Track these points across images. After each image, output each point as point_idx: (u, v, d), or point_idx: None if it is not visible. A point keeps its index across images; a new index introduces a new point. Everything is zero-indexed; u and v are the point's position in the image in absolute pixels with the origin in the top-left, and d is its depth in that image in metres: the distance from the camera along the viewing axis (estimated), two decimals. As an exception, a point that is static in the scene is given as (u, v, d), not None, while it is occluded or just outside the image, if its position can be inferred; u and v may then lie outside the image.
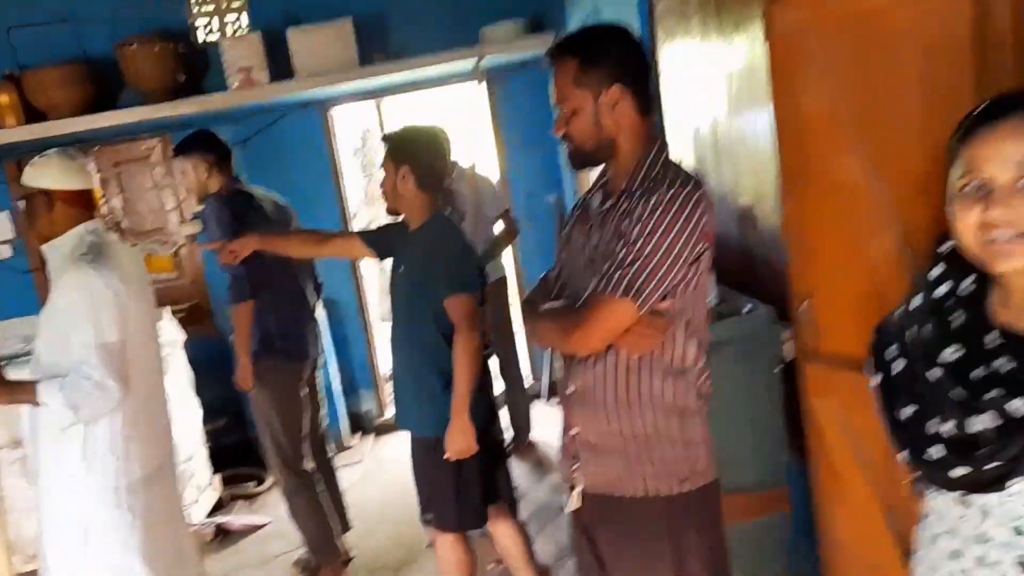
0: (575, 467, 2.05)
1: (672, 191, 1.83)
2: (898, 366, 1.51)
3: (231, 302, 3.69)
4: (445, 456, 2.91)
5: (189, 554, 2.98)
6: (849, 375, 2.13)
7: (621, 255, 1.84)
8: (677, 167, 1.93)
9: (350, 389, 6.09)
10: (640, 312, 1.83)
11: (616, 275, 1.83)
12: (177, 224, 5.93)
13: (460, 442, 2.89)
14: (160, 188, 5.86)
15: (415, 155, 2.95)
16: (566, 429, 2.07)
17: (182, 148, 3.84)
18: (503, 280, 5.02)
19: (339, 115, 6.01)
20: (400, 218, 3.12)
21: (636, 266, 1.81)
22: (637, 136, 1.94)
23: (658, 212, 1.81)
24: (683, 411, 1.93)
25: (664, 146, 1.97)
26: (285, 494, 3.90)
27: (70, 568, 2.68)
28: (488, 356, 3.81)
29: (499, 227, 4.93)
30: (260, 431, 3.87)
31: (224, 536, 4.76)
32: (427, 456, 3.02)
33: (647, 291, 1.82)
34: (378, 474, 5.24)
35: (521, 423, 5.28)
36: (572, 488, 2.08)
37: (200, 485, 4.85)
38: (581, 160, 2.00)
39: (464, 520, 3.11)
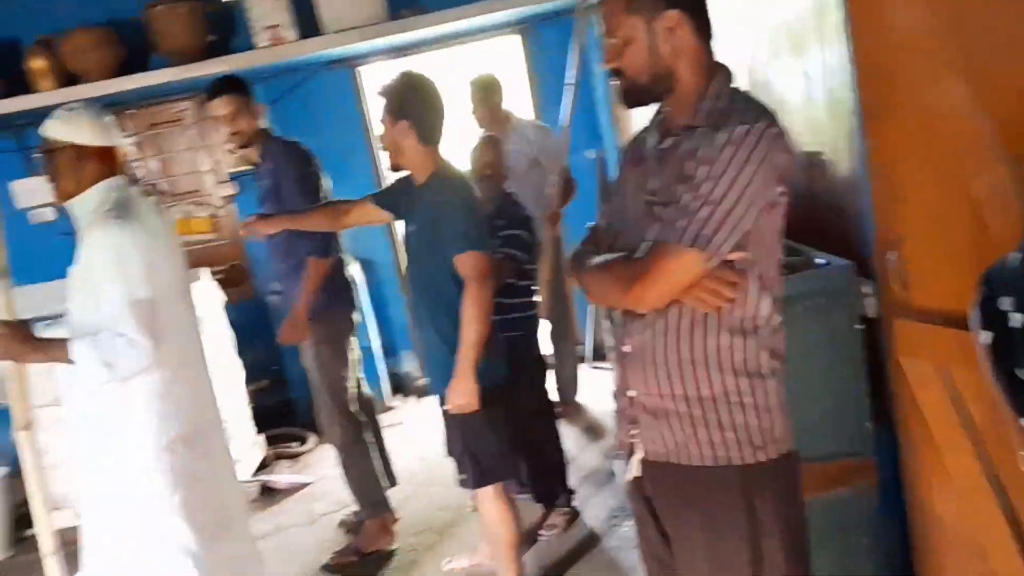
0: (633, 432, 1.88)
1: (744, 127, 1.63)
2: (1016, 320, 1.31)
3: (310, 255, 3.62)
4: (445, 408, 2.93)
5: (236, 514, 2.95)
6: (947, 332, 1.94)
7: (686, 201, 1.65)
8: (748, 98, 1.74)
9: (390, 351, 6.03)
10: (709, 264, 1.65)
11: (681, 223, 1.64)
12: (214, 185, 5.86)
13: (462, 398, 2.85)
14: (195, 150, 5.81)
15: (414, 109, 2.87)
16: (622, 391, 1.90)
17: (220, 88, 3.66)
18: (557, 239, 4.83)
19: (369, 74, 5.86)
20: (406, 173, 3.06)
21: (704, 213, 1.62)
22: (698, 65, 1.75)
23: (729, 151, 1.62)
24: (754, 372, 1.75)
25: (730, 76, 1.77)
26: (342, 445, 3.88)
27: (110, 528, 2.67)
28: (534, 316, 3.69)
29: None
30: (317, 384, 3.85)
31: (269, 495, 4.79)
32: (449, 418, 3.00)
33: (717, 241, 1.63)
34: (419, 436, 5.16)
35: (568, 385, 5.14)
36: (630, 455, 1.91)
37: (244, 445, 4.85)
38: (636, 96, 1.80)
39: (498, 471, 3.05)
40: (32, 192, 5.47)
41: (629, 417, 1.88)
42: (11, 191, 5.54)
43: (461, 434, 3.00)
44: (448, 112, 2.97)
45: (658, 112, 1.86)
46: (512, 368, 3.10)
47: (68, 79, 4.92)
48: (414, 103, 2.88)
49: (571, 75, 4.67)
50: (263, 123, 3.73)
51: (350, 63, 5.65)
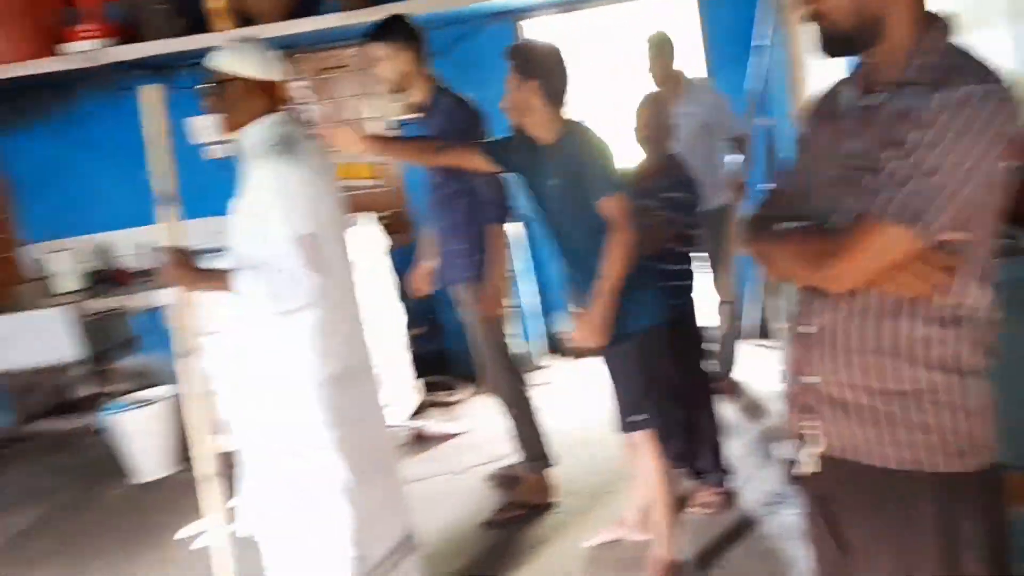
0: (806, 422, 1.70)
1: (968, 88, 1.41)
2: None
3: (489, 223, 3.64)
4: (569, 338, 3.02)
5: (386, 457, 3.00)
6: None
7: (897, 169, 1.44)
8: (969, 56, 1.50)
9: (546, 309, 6.00)
10: (920, 244, 1.45)
11: (889, 194, 1.44)
12: (378, 132, 5.85)
13: (586, 331, 2.93)
14: (360, 96, 5.85)
15: (541, 70, 2.95)
16: (797, 375, 1.71)
17: (382, 32, 3.61)
18: (726, 208, 4.64)
19: (533, 28, 5.70)
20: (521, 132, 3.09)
21: (917, 185, 1.42)
22: (912, 14, 1.53)
23: (949, 115, 1.40)
24: (955, 369, 1.54)
25: (948, 28, 1.54)
26: (511, 399, 3.90)
27: (268, 459, 2.74)
28: (693, 285, 3.52)
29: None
30: (482, 339, 3.85)
31: (419, 442, 4.84)
32: (617, 358, 3.06)
33: (931, 218, 1.42)
34: (572, 396, 5.11)
35: (725, 360, 4.94)
36: (802, 445, 1.73)
37: (402, 389, 4.94)
38: (837, 44, 1.59)
39: (656, 416, 3.09)
40: (206, 129, 5.65)
41: (802, 405, 1.71)
42: (187, 127, 5.72)
43: (622, 375, 3.05)
44: (580, 75, 3.04)
45: (859, 64, 1.65)
46: (668, 339, 3.07)
47: (244, 20, 5.04)
48: (542, 64, 2.96)
49: (760, 36, 4.40)
50: (425, 73, 3.67)
51: (514, 16, 5.56)
